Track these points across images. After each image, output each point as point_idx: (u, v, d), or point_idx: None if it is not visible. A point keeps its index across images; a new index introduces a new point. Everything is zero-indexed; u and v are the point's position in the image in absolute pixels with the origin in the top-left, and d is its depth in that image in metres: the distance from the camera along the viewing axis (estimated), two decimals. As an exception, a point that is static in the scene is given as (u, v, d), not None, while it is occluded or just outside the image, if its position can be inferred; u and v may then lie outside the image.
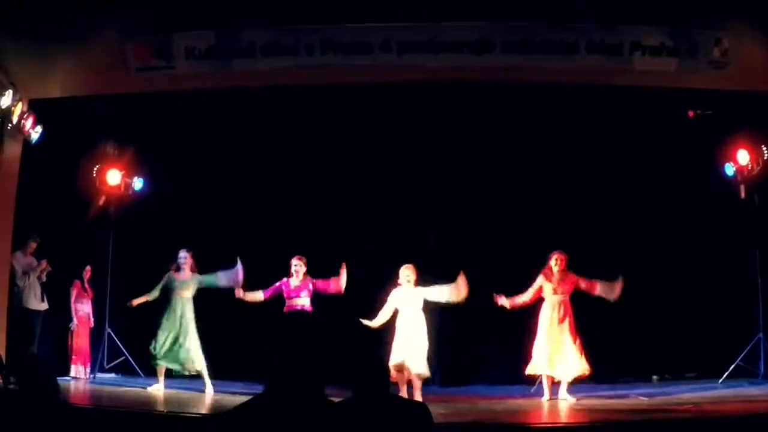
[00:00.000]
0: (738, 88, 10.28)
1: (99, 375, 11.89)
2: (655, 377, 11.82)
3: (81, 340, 12.07)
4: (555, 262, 10.05)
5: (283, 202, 12.47)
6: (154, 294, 10.56)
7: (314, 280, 10.33)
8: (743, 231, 11.40)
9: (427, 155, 12.23)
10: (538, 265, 10.35)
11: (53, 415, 4.50)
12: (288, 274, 10.37)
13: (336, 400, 3.60)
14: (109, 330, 12.11)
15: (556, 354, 9.81)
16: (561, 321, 9.88)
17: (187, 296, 10.46)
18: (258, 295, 10.42)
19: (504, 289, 10.28)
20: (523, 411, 9.19)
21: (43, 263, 10.90)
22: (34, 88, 10.39)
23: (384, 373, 4.40)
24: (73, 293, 11.99)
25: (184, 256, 10.58)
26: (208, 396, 10.12)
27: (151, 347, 10.29)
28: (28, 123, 10.36)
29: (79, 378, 11.74)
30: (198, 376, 10.51)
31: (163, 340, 10.27)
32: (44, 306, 10.95)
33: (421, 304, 9.85)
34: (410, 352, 9.58)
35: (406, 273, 9.87)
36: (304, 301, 10.19)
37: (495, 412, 8.95)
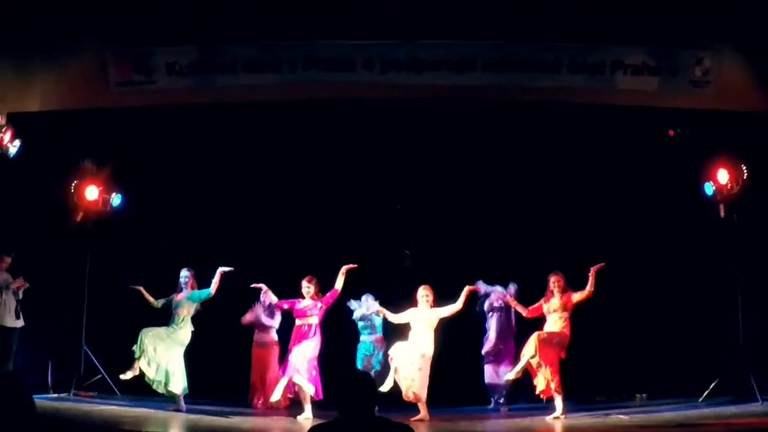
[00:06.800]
0: (719, 107, 10.35)
1: (75, 393, 11.68)
2: (638, 396, 11.71)
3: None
4: (553, 284, 10.00)
5: (264, 218, 12.42)
6: (155, 303, 10.50)
7: (323, 298, 10.19)
8: (723, 250, 11.42)
9: (409, 172, 12.23)
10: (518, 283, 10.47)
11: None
12: (299, 295, 10.29)
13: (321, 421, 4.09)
14: (85, 348, 11.93)
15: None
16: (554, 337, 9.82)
17: (184, 315, 10.31)
18: (273, 298, 10.45)
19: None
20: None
21: (20, 280, 10.72)
22: (12, 101, 10.33)
23: (370, 393, 4.33)
24: None
25: (186, 275, 10.49)
26: (183, 416, 9.72)
27: (134, 347, 10.04)
28: (7, 137, 10.28)
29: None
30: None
31: (146, 344, 10.02)
32: (20, 323, 10.74)
33: (434, 324, 9.88)
34: (410, 371, 9.61)
35: (424, 293, 9.99)
36: (312, 321, 10.09)
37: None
